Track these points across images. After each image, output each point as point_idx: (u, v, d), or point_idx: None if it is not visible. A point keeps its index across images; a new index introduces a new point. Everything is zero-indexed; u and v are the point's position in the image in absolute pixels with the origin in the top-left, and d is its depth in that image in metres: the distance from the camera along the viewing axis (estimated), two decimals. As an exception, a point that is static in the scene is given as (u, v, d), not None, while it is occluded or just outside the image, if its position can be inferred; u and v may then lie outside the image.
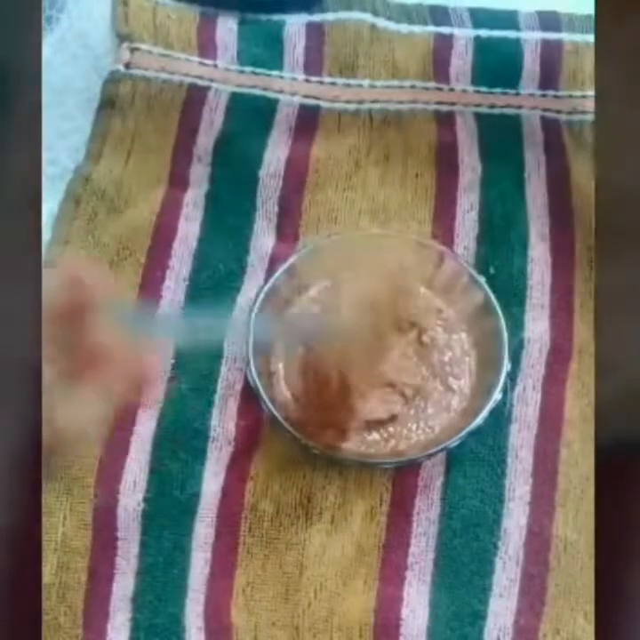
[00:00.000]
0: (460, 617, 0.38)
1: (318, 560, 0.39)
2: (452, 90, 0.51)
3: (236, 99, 0.50)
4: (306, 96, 0.50)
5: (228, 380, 0.42)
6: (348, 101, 0.50)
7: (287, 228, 0.46)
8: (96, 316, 0.25)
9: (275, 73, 0.51)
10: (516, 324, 0.43)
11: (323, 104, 0.50)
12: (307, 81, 0.51)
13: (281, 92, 0.50)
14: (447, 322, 0.42)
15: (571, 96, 0.50)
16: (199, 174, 0.48)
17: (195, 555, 0.39)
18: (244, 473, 0.40)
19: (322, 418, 0.39)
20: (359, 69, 0.51)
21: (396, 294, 0.41)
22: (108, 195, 0.47)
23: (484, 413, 0.38)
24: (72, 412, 0.24)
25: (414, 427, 0.40)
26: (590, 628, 0.38)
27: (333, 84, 0.51)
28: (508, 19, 0.53)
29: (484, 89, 0.51)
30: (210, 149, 0.48)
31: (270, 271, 0.44)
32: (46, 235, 0.46)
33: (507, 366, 0.39)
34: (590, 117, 0.49)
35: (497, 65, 0.52)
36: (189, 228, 0.46)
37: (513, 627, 0.38)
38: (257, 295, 0.40)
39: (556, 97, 0.50)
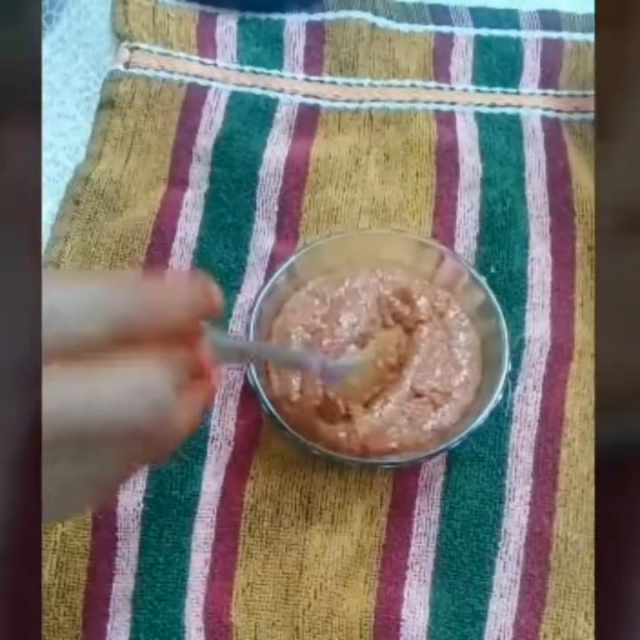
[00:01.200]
0: (461, 617, 0.38)
1: (318, 560, 0.39)
2: (452, 89, 0.51)
3: (235, 98, 0.50)
4: (306, 95, 0.50)
5: (227, 379, 0.42)
6: (348, 100, 0.50)
7: (287, 227, 0.46)
8: (202, 335, 0.27)
9: (274, 72, 0.51)
10: (517, 324, 0.43)
11: (323, 103, 0.50)
12: (307, 80, 0.51)
13: (281, 91, 0.50)
14: (457, 313, 0.42)
15: (571, 95, 0.50)
16: (199, 174, 0.48)
17: (194, 555, 0.39)
18: (244, 473, 0.40)
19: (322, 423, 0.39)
20: (359, 68, 0.51)
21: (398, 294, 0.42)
22: (108, 194, 0.47)
23: (485, 413, 0.38)
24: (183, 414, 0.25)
25: (427, 426, 0.39)
26: (590, 628, 0.38)
27: (333, 83, 0.51)
28: (508, 18, 0.53)
29: (484, 88, 0.51)
30: (209, 149, 0.48)
31: (270, 271, 0.44)
32: (46, 235, 0.46)
33: (507, 366, 0.39)
34: (591, 117, 0.49)
35: (497, 64, 0.52)
36: (189, 227, 0.46)
37: (513, 627, 0.38)
38: (257, 295, 0.40)
39: (556, 96, 0.50)
